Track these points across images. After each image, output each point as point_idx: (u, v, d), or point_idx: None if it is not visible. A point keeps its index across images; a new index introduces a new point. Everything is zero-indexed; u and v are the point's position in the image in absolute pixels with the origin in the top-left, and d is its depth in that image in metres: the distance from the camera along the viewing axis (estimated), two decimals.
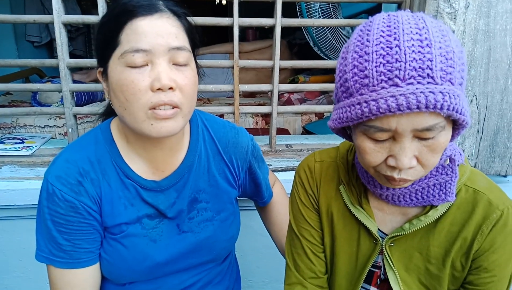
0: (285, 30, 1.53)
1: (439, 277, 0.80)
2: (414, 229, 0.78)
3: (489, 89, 1.39)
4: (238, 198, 1.10)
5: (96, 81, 2.92)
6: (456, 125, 0.65)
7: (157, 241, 0.93)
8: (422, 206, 0.79)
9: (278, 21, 1.47)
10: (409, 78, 0.58)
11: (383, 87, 0.59)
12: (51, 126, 2.29)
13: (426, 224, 0.77)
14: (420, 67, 0.57)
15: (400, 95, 0.57)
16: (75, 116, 1.49)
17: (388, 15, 0.64)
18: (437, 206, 0.77)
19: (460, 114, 0.60)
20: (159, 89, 0.78)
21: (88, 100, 2.56)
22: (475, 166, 1.48)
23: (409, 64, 0.57)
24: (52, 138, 1.77)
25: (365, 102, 0.60)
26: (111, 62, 0.81)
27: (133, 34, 0.78)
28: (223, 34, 4.61)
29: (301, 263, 0.91)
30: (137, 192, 0.91)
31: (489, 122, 1.43)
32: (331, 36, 2.19)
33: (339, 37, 2.21)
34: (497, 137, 1.44)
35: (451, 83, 0.59)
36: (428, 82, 0.57)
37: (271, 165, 1.55)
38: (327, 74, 3.00)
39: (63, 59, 1.39)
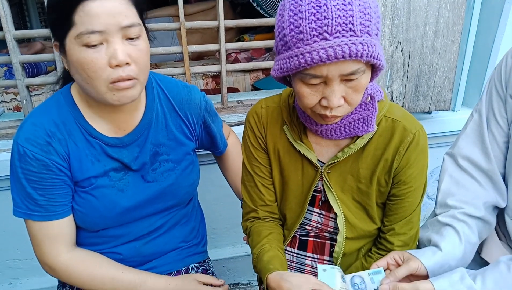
0: None
1: (368, 193, 0.97)
2: (346, 156, 0.94)
3: (411, 36, 1.56)
4: (196, 149, 1.21)
5: (37, 53, 2.83)
6: (374, 68, 0.80)
7: (125, 190, 1.04)
8: (351, 137, 0.94)
9: None
10: (336, 33, 0.70)
11: (315, 41, 0.71)
12: None
13: (355, 151, 0.93)
14: (344, 23, 0.70)
15: (329, 47, 0.70)
16: (27, 87, 1.51)
17: None
18: (362, 135, 0.93)
19: (376, 59, 0.74)
20: (117, 65, 0.86)
21: (33, 73, 2.50)
22: (402, 106, 1.66)
23: (335, 21, 0.70)
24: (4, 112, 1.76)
25: (301, 54, 0.72)
26: (68, 41, 0.87)
27: (86, 16, 0.84)
28: None
29: (254, 195, 1.06)
30: (102, 149, 1.00)
31: (413, 66, 1.60)
32: None
33: None
34: (420, 78, 1.63)
35: (369, 34, 0.72)
36: (351, 35, 0.70)
37: (225, 120, 1.64)
38: (271, 32, 3.07)
39: (9, 31, 1.39)
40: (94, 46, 0.85)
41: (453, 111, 1.89)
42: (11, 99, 2.28)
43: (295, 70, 0.75)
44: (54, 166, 0.94)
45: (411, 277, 0.89)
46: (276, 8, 2.33)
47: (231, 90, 2.61)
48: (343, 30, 0.70)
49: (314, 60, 0.71)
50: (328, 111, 0.79)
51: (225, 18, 1.61)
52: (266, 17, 2.48)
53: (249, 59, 2.87)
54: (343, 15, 0.69)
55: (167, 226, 1.16)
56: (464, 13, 1.58)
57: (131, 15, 0.88)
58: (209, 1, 3.39)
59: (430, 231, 1.01)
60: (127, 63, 0.87)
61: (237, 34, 3.20)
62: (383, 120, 0.93)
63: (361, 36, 0.71)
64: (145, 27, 0.96)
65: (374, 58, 0.73)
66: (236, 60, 2.85)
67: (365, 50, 0.71)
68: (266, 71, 2.80)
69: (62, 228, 1.00)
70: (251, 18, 1.72)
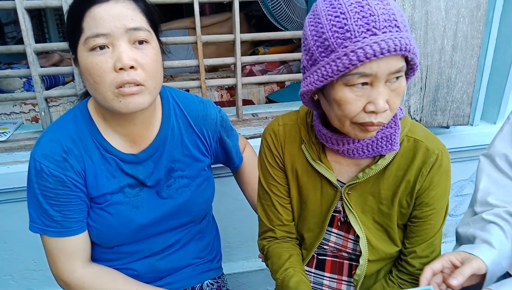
0: (242, 3, 1.60)
1: (390, 215, 0.95)
2: (367, 177, 0.92)
3: (428, 50, 1.54)
4: (211, 165, 1.20)
5: (55, 65, 2.88)
6: (406, 74, 0.79)
7: (140, 207, 1.03)
8: (373, 157, 0.92)
9: None
10: (383, 28, 0.70)
11: (364, 37, 0.70)
12: (17, 113, 2.27)
13: (376, 171, 0.91)
14: (388, 19, 0.70)
15: (381, 40, 0.69)
16: (46, 99, 1.53)
17: None
18: (385, 155, 0.91)
19: (417, 58, 0.75)
20: (121, 69, 0.85)
21: (51, 84, 2.54)
22: (420, 120, 1.64)
23: (381, 17, 0.70)
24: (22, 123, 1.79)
25: (352, 51, 0.70)
26: (78, 49, 0.89)
27: (92, 21, 0.85)
28: (178, 10, 4.55)
29: (271, 214, 1.04)
30: (118, 165, 1.00)
31: (430, 80, 1.58)
32: (286, 7, 2.27)
33: (294, 8, 2.30)
34: (438, 93, 1.61)
35: (408, 32, 0.73)
36: (396, 31, 0.71)
37: (239, 133, 1.64)
38: (285, 44, 3.08)
39: (30, 44, 1.41)
40: (100, 50, 0.85)
41: (472, 125, 1.86)
42: (29, 110, 2.31)
43: (343, 72, 0.73)
44: (70, 182, 0.95)
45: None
46: (291, 22, 2.33)
47: (246, 102, 2.61)
48: (389, 26, 0.70)
49: (367, 55, 0.69)
50: (373, 117, 0.76)
51: (240, 30, 1.61)
52: (281, 30, 2.49)
53: (263, 72, 2.87)
54: (386, 13, 0.70)
55: (182, 242, 1.15)
56: (483, 27, 1.56)
57: (138, 20, 0.88)
58: (224, 13, 3.42)
59: (473, 228, 0.98)
60: (132, 67, 0.86)
61: (252, 46, 3.21)
62: (405, 140, 0.91)
63: (405, 32, 0.72)
64: (159, 40, 0.96)
65: (415, 55, 0.73)
66: (251, 72, 2.85)
67: (411, 45, 0.71)
68: (280, 83, 2.80)
69: (78, 244, 1.00)
70: (265, 30, 1.72)
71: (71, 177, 0.95)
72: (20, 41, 1.41)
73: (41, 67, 1.49)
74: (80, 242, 1.00)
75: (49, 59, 2.76)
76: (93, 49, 0.85)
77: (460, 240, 1.03)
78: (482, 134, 1.82)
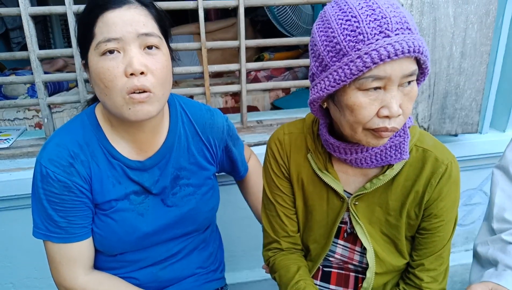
0: (247, 8, 1.59)
1: (397, 226, 0.92)
2: (374, 187, 0.89)
3: (436, 56, 1.52)
4: (216, 173, 1.19)
5: (59, 70, 2.88)
6: (417, 79, 0.78)
7: (144, 215, 1.02)
8: (381, 166, 0.90)
9: (241, 2, 1.52)
10: (396, 30, 0.69)
11: (377, 39, 0.69)
12: (20, 119, 2.27)
13: (384, 182, 0.89)
14: (400, 22, 0.70)
15: (395, 42, 0.68)
16: (49, 106, 1.52)
17: None
18: (393, 165, 0.88)
19: (428, 61, 0.74)
20: (132, 74, 0.85)
21: (55, 90, 2.54)
22: (428, 128, 1.61)
23: (392, 19, 0.69)
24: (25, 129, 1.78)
25: (366, 54, 0.69)
26: (89, 54, 0.88)
27: (105, 26, 0.85)
28: (184, 15, 4.57)
29: (276, 225, 1.02)
30: (124, 171, 0.99)
31: (439, 87, 1.56)
32: (292, 13, 2.26)
33: (300, 14, 2.29)
34: (446, 100, 1.58)
35: (419, 35, 0.72)
36: (408, 33, 0.70)
37: (244, 140, 1.62)
38: (291, 50, 3.07)
39: (34, 50, 1.41)
40: (111, 54, 0.85)
41: (481, 133, 1.82)
42: (33, 116, 2.31)
43: (356, 75, 0.71)
44: (76, 188, 0.94)
45: None
46: (297, 28, 2.32)
47: (250, 108, 2.60)
48: (401, 28, 0.70)
49: (382, 56, 0.68)
50: (387, 122, 0.75)
51: (246, 36, 1.60)
52: (286, 35, 2.47)
53: (268, 77, 2.86)
54: (398, 15, 0.70)
55: (185, 251, 1.13)
56: (492, 34, 1.53)
57: (149, 26, 0.88)
58: (229, 19, 3.42)
59: (492, 249, 0.99)
60: (142, 73, 0.85)
61: (257, 51, 3.20)
62: (413, 150, 0.89)
63: (417, 34, 0.71)
64: (169, 47, 0.96)
65: (427, 58, 0.73)
66: (256, 78, 2.84)
67: (424, 47, 0.71)
68: (285, 89, 2.79)
69: (81, 251, 0.99)
70: (271, 35, 1.71)
71: (77, 183, 0.94)
72: (26, 46, 1.41)
73: (46, 72, 1.49)
74: (83, 249, 0.99)
75: (53, 65, 2.77)
76: (104, 53, 0.85)
77: (480, 260, 1.03)
78: (491, 142, 1.79)
